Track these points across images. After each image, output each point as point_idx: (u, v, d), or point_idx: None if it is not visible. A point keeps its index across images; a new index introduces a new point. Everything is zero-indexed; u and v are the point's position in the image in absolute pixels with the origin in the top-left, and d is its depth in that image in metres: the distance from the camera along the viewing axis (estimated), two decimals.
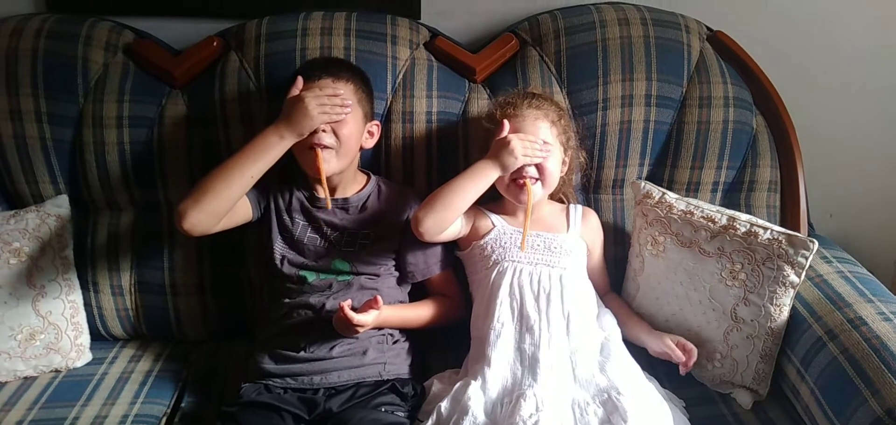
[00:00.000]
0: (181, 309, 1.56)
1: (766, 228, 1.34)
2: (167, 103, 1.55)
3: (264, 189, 1.44)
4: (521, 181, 1.37)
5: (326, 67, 1.41)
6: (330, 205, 1.41)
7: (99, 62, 1.54)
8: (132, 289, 1.55)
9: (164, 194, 1.55)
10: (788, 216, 1.58)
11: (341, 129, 1.37)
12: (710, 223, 1.38)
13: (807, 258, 1.31)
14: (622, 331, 1.41)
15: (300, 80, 1.38)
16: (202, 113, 1.54)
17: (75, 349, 1.50)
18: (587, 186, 1.61)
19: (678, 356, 1.33)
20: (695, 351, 1.33)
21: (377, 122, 1.49)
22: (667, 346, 1.35)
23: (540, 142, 1.37)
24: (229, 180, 1.31)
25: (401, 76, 1.55)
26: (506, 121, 1.38)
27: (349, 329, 1.30)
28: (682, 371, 1.34)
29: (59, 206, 1.53)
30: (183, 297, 1.56)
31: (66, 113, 1.51)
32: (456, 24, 1.68)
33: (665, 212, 1.43)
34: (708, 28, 1.63)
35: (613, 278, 1.56)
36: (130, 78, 1.55)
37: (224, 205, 1.32)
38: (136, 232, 1.56)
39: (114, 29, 1.58)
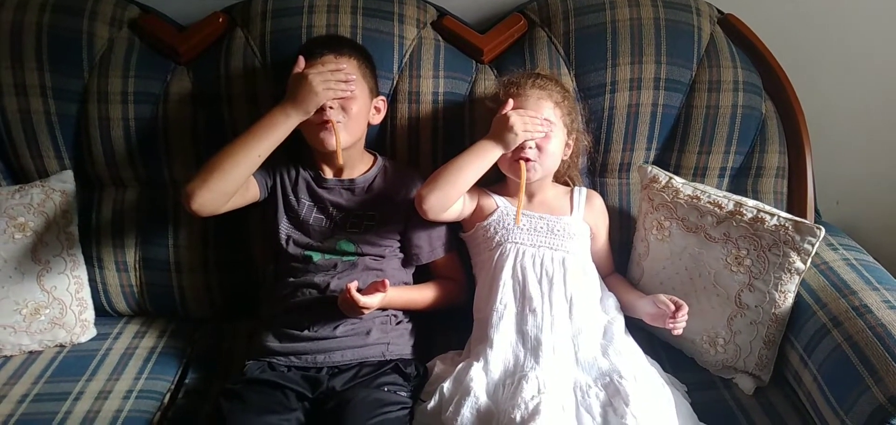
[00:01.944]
0: (185, 286, 1.56)
1: (772, 214, 1.33)
2: (172, 79, 1.54)
3: (271, 168, 1.44)
4: (519, 163, 1.37)
5: (328, 44, 1.40)
6: (341, 161, 1.39)
7: (104, 37, 1.53)
8: (136, 266, 1.56)
9: (168, 171, 1.55)
10: (795, 203, 1.56)
11: (349, 105, 1.37)
12: (716, 208, 1.37)
13: (813, 245, 1.30)
14: (623, 309, 1.41)
15: (302, 59, 1.37)
16: (207, 89, 1.53)
17: (80, 324, 1.51)
18: (593, 169, 1.60)
19: (670, 308, 1.30)
20: (685, 305, 1.30)
21: (383, 98, 1.48)
22: (660, 302, 1.32)
23: (540, 119, 1.36)
24: (236, 160, 1.31)
25: (407, 56, 1.54)
26: (509, 100, 1.38)
27: (354, 310, 1.31)
28: (673, 330, 1.31)
29: (64, 182, 1.53)
30: (187, 275, 1.56)
31: (71, 87, 1.51)
32: (464, 4, 1.66)
33: (671, 196, 1.42)
34: (719, 11, 1.61)
35: (618, 262, 1.56)
36: (136, 53, 1.54)
37: (232, 184, 1.32)
38: (140, 208, 1.57)
39: (119, 3, 1.57)
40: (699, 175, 1.57)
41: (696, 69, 1.55)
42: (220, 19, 1.56)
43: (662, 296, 1.34)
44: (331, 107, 1.35)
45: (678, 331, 1.31)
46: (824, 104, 1.68)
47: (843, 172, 1.79)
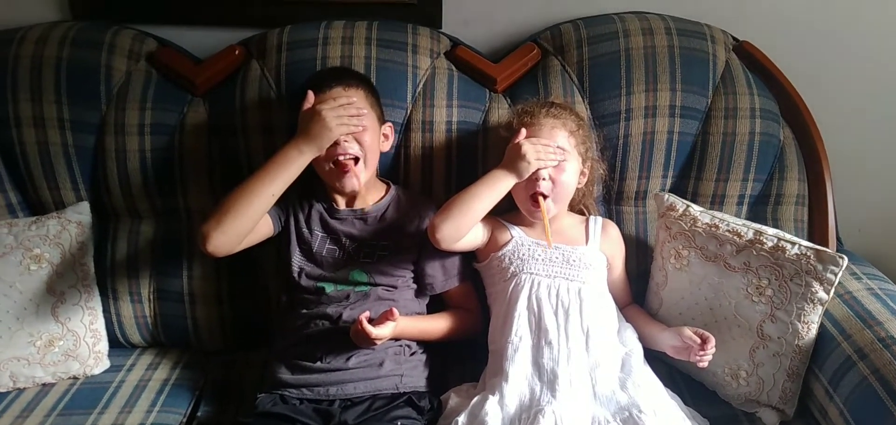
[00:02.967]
0: (199, 318, 1.56)
1: (793, 243, 1.31)
2: (188, 111, 1.55)
3: (284, 202, 1.43)
4: (534, 203, 1.36)
5: (336, 76, 1.41)
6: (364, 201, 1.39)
7: (122, 69, 1.54)
8: (151, 297, 1.56)
9: (184, 202, 1.56)
10: (816, 231, 1.54)
11: (364, 138, 1.37)
12: (735, 237, 1.35)
13: (836, 274, 1.27)
14: (642, 340, 1.39)
15: (311, 94, 1.37)
16: (223, 121, 1.54)
17: (93, 356, 1.50)
18: (609, 198, 1.58)
19: (697, 341, 1.28)
20: (712, 338, 1.28)
21: (390, 124, 1.48)
22: (686, 337, 1.30)
23: (553, 147, 1.35)
24: (250, 200, 1.31)
25: (421, 85, 1.54)
26: (522, 129, 1.37)
27: (366, 341, 1.29)
28: (700, 363, 1.29)
29: (80, 213, 1.54)
30: (201, 306, 1.56)
31: (89, 119, 1.52)
32: (477, 34, 1.67)
33: (689, 225, 1.40)
34: (734, 38, 1.61)
35: (636, 292, 1.53)
36: (153, 85, 1.56)
37: (247, 224, 1.31)
38: (155, 240, 1.57)
39: (137, 37, 1.59)
40: (717, 203, 1.55)
41: (712, 96, 1.54)
42: (237, 52, 1.57)
43: (688, 330, 1.31)
44: (346, 141, 1.35)
45: (704, 365, 1.29)
46: (844, 130, 1.66)
47: (865, 199, 1.76)
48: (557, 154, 1.35)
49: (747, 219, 1.50)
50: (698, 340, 1.29)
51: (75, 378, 1.49)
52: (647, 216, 1.58)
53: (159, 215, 1.58)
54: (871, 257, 1.60)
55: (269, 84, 1.52)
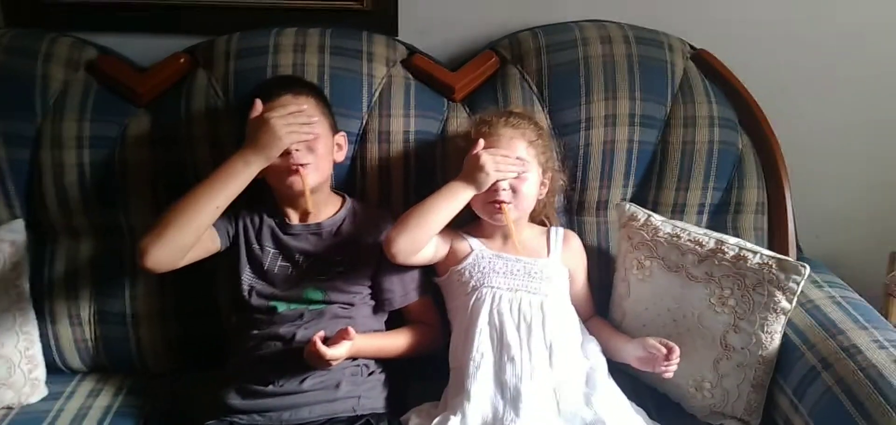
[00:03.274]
0: (143, 338, 1.49)
1: (755, 252, 1.30)
2: (130, 122, 1.49)
3: (233, 216, 1.37)
4: (497, 205, 1.33)
5: (284, 84, 1.36)
6: (310, 206, 1.34)
7: (59, 79, 1.48)
8: (91, 319, 1.49)
9: (125, 218, 1.49)
10: (776, 239, 1.54)
11: (315, 147, 1.33)
12: (697, 246, 1.34)
13: (798, 283, 1.26)
14: (606, 353, 1.37)
15: (258, 102, 1.32)
16: (167, 132, 1.48)
17: (29, 383, 1.41)
18: (570, 208, 1.56)
19: (661, 351, 1.27)
20: (677, 348, 1.27)
21: (343, 133, 1.45)
22: (650, 346, 1.28)
23: (513, 158, 1.32)
24: (193, 212, 1.24)
25: (377, 94, 1.50)
26: (480, 139, 1.34)
27: (321, 362, 1.24)
28: (664, 374, 1.28)
29: (15, 232, 1.45)
30: (145, 326, 1.49)
31: (23, 132, 1.45)
32: (434, 42, 1.64)
33: (651, 235, 1.39)
34: (691, 46, 1.61)
35: (598, 304, 1.51)
36: (92, 96, 1.49)
37: (189, 238, 1.25)
38: (96, 258, 1.50)
39: (76, 45, 1.53)
40: (678, 212, 1.54)
41: (671, 105, 1.54)
42: (182, 60, 1.52)
43: (652, 340, 1.30)
44: (296, 150, 1.30)
45: (670, 375, 1.27)
46: (800, 136, 1.66)
47: (821, 204, 1.77)
48: (517, 165, 1.32)
49: (708, 228, 1.50)
50: (663, 350, 1.27)
51: (9, 408, 1.39)
52: (608, 226, 1.56)
53: (100, 232, 1.51)
54: (828, 263, 1.61)
55: (216, 93, 1.47)
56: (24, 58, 1.46)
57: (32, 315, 1.45)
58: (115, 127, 1.48)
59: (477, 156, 1.30)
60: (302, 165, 1.30)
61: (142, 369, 1.51)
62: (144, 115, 1.50)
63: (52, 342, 1.47)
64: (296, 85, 1.37)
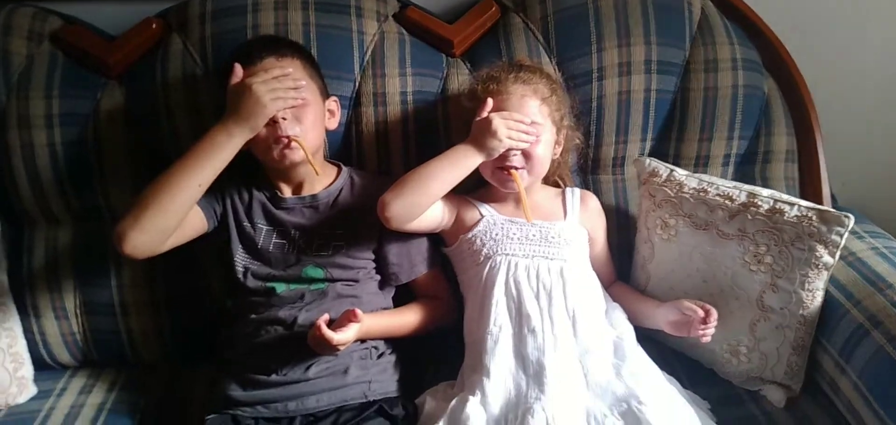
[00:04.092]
0: (134, 329, 1.41)
1: (792, 204, 1.21)
2: (103, 96, 1.40)
3: (219, 193, 1.28)
4: (506, 173, 1.24)
5: (266, 46, 1.25)
6: (319, 173, 1.26)
7: (22, 53, 1.38)
8: (77, 311, 1.41)
9: (105, 200, 1.41)
10: (809, 188, 1.46)
11: (303, 113, 1.23)
12: (727, 201, 1.25)
13: (842, 235, 1.17)
14: (632, 320, 1.29)
15: (238, 67, 1.21)
16: (143, 104, 1.39)
17: (16, 383, 1.33)
18: (585, 167, 1.48)
19: (698, 314, 1.19)
20: (714, 310, 1.19)
21: (335, 98, 1.35)
22: (686, 309, 1.21)
23: (527, 122, 1.23)
24: (173, 191, 1.15)
25: (369, 53, 1.40)
26: (489, 99, 1.24)
27: (327, 348, 1.16)
28: (702, 338, 1.20)
29: None
30: (134, 316, 1.41)
31: None
32: None
33: (675, 191, 1.29)
34: None
35: (619, 268, 1.43)
36: (59, 69, 1.40)
37: (169, 220, 1.16)
38: (76, 245, 1.42)
39: (37, 15, 1.43)
40: (701, 164, 1.46)
41: (690, 48, 1.44)
42: (154, 25, 1.41)
43: (687, 302, 1.22)
44: (284, 118, 1.20)
45: (707, 339, 1.20)
46: (826, 79, 1.57)
47: (848, 150, 1.68)
48: (531, 130, 1.23)
49: (734, 179, 1.42)
50: (700, 312, 1.19)
51: None
52: (626, 184, 1.47)
53: (78, 217, 1.42)
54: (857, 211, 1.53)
55: (193, 59, 1.38)
56: None
57: (13, 309, 1.37)
58: (86, 102, 1.38)
59: (488, 121, 1.20)
60: (291, 138, 1.21)
61: (135, 361, 1.44)
62: (117, 88, 1.41)
63: (38, 337, 1.40)
64: (279, 46, 1.27)
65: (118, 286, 1.40)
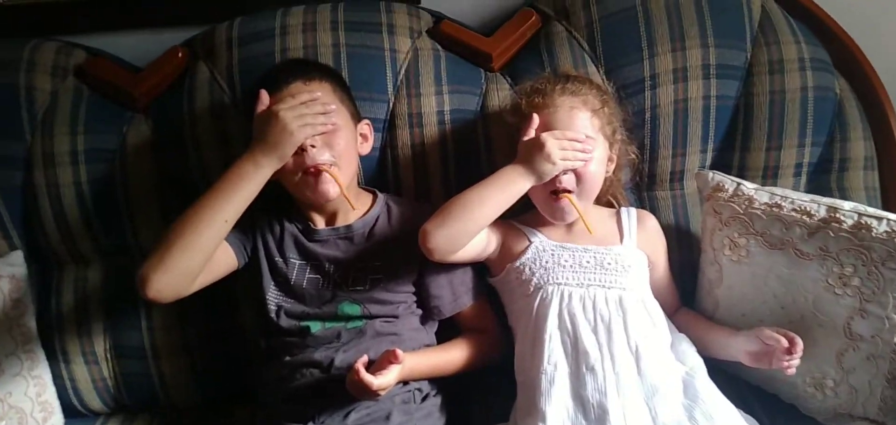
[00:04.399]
0: (166, 373, 1.36)
1: (880, 218, 1.08)
2: (129, 130, 1.36)
3: (249, 228, 1.23)
4: (557, 199, 1.16)
5: (293, 70, 1.20)
6: (354, 207, 1.20)
7: (46, 90, 1.35)
8: (108, 356, 1.36)
9: (134, 238, 1.36)
10: (893, 198, 1.35)
11: (335, 140, 1.16)
12: (804, 217, 1.13)
13: None
14: (702, 352, 1.18)
15: (264, 94, 1.16)
16: (170, 136, 1.35)
17: None
18: (639, 184, 1.39)
19: (782, 343, 1.09)
20: (799, 339, 1.09)
21: (368, 122, 1.29)
22: (767, 338, 1.10)
23: (582, 137, 1.14)
24: (198, 230, 1.09)
25: (403, 72, 1.34)
26: (534, 115, 1.17)
27: (367, 393, 1.07)
28: (787, 370, 1.09)
29: (13, 265, 1.33)
30: (166, 360, 1.35)
31: (12, 153, 1.33)
32: (463, 5, 1.47)
33: (744, 207, 1.18)
34: None
35: (682, 293, 1.33)
36: (84, 104, 1.37)
37: (195, 260, 1.10)
38: (106, 286, 1.38)
39: (62, 49, 1.41)
40: (770, 176, 1.35)
41: (752, 49, 1.35)
42: (180, 54, 1.39)
43: (768, 330, 1.11)
44: (313, 147, 1.14)
45: (792, 371, 1.10)
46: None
47: None
48: (586, 147, 1.14)
49: (807, 191, 1.32)
50: (784, 342, 1.08)
51: None
52: (686, 200, 1.38)
53: (107, 256, 1.39)
54: None
55: (221, 87, 1.33)
56: (5, 70, 1.35)
57: (42, 356, 1.34)
58: (112, 137, 1.35)
59: (539, 141, 1.12)
60: (327, 166, 1.15)
61: (168, 406, 1.39)
62: (144, 121, 1.37)
63: (68, 383, 1.36)
64: (306, 69, 1.21)
65: (148, 328, 1.35)
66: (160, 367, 1.35)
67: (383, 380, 1.06)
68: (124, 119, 1.36)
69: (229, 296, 1.33)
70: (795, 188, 1.34)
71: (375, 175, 1.35)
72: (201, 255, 1.10)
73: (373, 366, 1.09)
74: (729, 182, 1.23)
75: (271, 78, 1.19)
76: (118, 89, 1.37)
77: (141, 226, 1.35)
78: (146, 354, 1.35)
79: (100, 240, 1.36)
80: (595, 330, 1.11)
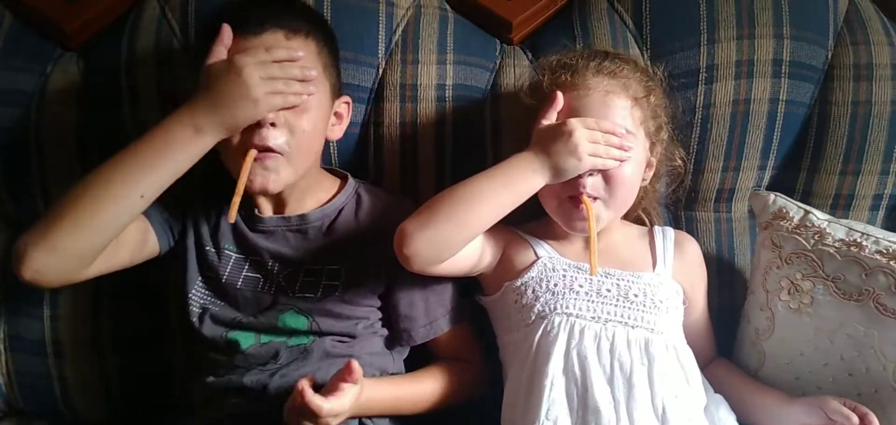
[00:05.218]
0: (69, 376, 1.18)
1: None
2: (54, 70, 1.18)
3: (177, 206, 1.02)
4: (577, 204, 0.97)
5: (273, 13, 0.96)
6: (232, 219, 0.95)
7: None
8: (3, 346, 1.18)
9: (44, 203, 1.17)
10: None
11: (299, 120, 0.94)
12: (893, 262, 0.93)
13: None
14: (739, 416, 0.99)
15: (227, 31, 0.92)
16: (103, 85, 1.16)
17: None
18: (677, 200, 1.20)
19: (853, 420, 0.92)
20: (873, 416, 0.92)
21: (347, 99, 1.09)
22: (834, 411, 0.92)
23: (620, 131, 0.94)
24: (101, 201, 0.88)
25: (399, 32, 1.16)
26: (559, 94, 0.97)
27: (312, 422, 0.86)
28: None
29: None
30: (71, 359, 1.17)
31: None
32: None
33: (813, 242, 0.99)
34: None
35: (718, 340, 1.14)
36: (2, 32, 1.18)
37: (92, 240, 0.90)
38: (6, 262, 1.16)
39: None
40: (841, 207, 1.17)
41: (834, 47, 1.16)
42: None
43: (834, 401, 0.94)
44: (272, 125, 0.91)
45: None
46: None
47: None
48: (624, 143, 0.94)
49: (886, 227, 1.15)
50: (855, 419, 0.91)
51: None
52: (733, 227, 1.19)
53: (11, 225, 1.19)
54: None
55: (171, 30, 1.14)
56: None
57: None
58: (31, 77, 1.17)
59: (568, 129, 0.92)
60: (269, 150, 0.92)
61: (70, 416, 1.21)
62: (74, 61, 1.19)
63: None
64: (292, 16, 0.97)
65: (51, 317, 1.16)
66: (62, 368, 1.17)
67: (336, 404, 0.85)
68: (49, 57, 1.18)
69: (153, 288, 1.14)
70: (871, 223, 1.18)
71: (352, 156, 1.16)
72: (100, 236, 0.89)
73: (323, 388, 0.87)
74: (795, 208, 1.04)
75: (242, 15, 0.95)
76: (47, 20, 1.18)
77: (53, 191, 1.16)
78: (46, 350, 1.17)
79: (4, 205, 1.18)
80: (610, 381, 0.90)
